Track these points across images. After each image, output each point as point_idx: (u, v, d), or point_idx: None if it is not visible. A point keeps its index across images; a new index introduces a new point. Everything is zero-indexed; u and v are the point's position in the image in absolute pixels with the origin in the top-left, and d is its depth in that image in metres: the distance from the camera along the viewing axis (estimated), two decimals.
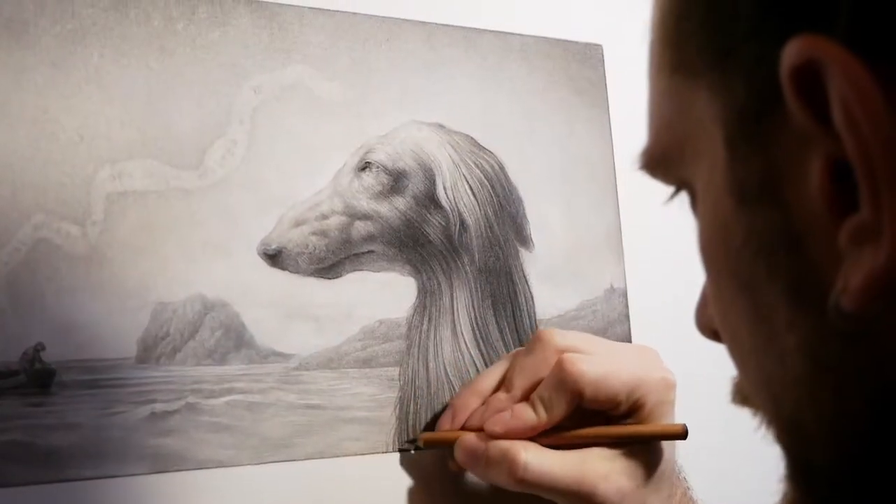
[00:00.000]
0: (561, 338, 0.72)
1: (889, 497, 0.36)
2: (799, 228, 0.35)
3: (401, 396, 0.75)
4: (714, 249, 0.41)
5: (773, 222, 0.36)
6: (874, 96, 0.31)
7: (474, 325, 0.79)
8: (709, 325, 0.45)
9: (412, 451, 0.74)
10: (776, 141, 0.35)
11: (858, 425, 0.36)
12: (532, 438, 0.69)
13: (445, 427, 0.72)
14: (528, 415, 0.69)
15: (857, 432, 0.36)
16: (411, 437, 0.74)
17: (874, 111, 0.31)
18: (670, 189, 0.45)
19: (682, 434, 0.71)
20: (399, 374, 0.76)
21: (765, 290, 0.38)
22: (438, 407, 0.76)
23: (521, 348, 0.75)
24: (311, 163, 0.74)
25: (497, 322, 0.80)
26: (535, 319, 0.82)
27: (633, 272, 0.88)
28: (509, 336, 0.80)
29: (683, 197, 0.45)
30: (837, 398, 0.36)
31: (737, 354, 0.43)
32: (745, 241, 0.38)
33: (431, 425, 0.75)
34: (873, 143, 0.31)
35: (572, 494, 0.68)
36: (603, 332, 0.85)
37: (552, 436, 0.70)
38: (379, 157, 0.77)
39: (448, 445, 0.71)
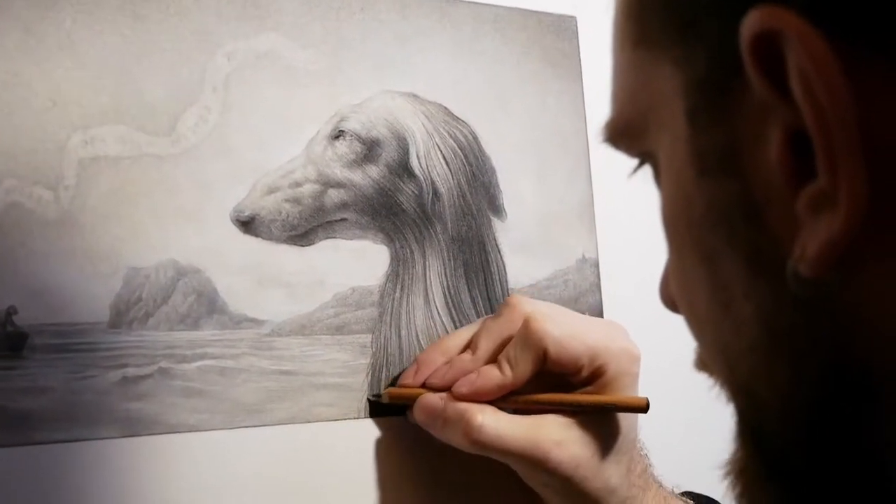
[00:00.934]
0: (529, 304, 0.72)
1: (835, 463, 0.36)
2: (758, 198, 0.36)
3: (373, 363, 0.76)
4: (676, 220, 0.41)
5: (733, 192, 0.37)
6: (832, 67, 0.32)
7: (447, 294, 0.79)
8: (671, 297, 0.46)
9: (376, 402, 0.75)
10: (737, 112, 0.36)
11: (810, 394, 0.36)
12: (492, 403, 0.70)
13: (408, 381, 0.73)
14: (493, 374, 0.70)
15: (808, 401, 0.36)
16: (377, 392, 0.75)
17: (832, 82, 0.32)
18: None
19: (644, 407, 0.71)
20: (371, 341, 0.76)
21: (724, 259, 0.38)
22: None
23: (491, 315, 0.76)
24: (284, 130, 0.74)
25: (469, 290, 0.80)
26: (508, 288, 0.82)
27: (605, 243, 0.88)
28: (481, 304, 0.81)
29: (649, 170, 0.45)
30: (791, 367, 0.37)
31: (694, 324, 0.43)
32: (706, 211, 0.38)
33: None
34: (831, 113, 0.32)
35: (525, 459, 0.69)
36: (574, 301, 0.85)
37: (512, 400, 0.70)
38: (352, 125, 0.77)
39: (411, 402, 0.72)
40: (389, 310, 0.77)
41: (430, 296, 0.78)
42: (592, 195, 0.88)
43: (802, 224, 0.34)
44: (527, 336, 0.70)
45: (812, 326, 0.35)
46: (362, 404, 0.74)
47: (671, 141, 0.40)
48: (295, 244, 0.74)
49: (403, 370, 0.75)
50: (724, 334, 0.40)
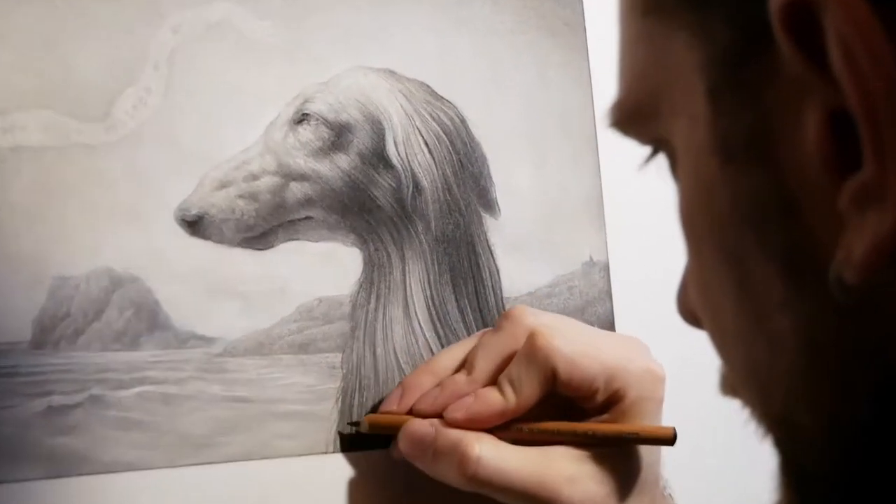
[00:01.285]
0: (534, 316, 0.72)
1: (891, 500, 0.36)
2: (793, 191, 0.35)
3: (343, 387, 0.75)
4: (696, 217, 0.41)
5: (764, 184, 0.36)
6: (877, 35, 0.31)
7: (430, 304, 0.79)
8: (691, 309, 0.45)
9: (353, 432, 0.74)
10: (765, 90, 0.35)
11: (858, 417, 0.36)
12: (491, 432, 0.69)
13: (391, 408, 0.72)
14: (493, 398, 0.70)
15: (856, 426, 0.36)
16: (355, 419, 0.74)
17: (877, 52, 0.31)
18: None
19: (670, 439, 0.71)
20: (341, 362, 0.76)
21: (754, 263, 0.38)
22: None
23: (489, 329, 0.75)
24: (238, 114, 0.74)
25: (457, 300, 0.80)
26: (502, 297, 0.82)
27: (617, 243, 0.88)
28: (471, 316, 0.80)
29: (663, 159, 0.45)
30: (836, 387, 0.36)
31: (719, 340, 0.43)
32: (732, 206, 0.38)
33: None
34: (876, 87, 0.31)
35: (531, 497, 0.68)
36: (581, 312, 0.85)
37: (515, 428, 0.70)
38: (318, 107, 0.76)
39: (395, 431, 0.71)
40: (363, 324, 0.77)
41: (411, 307, 0.78)
42: (601, 186, 0.88)
43: (846, 221, 0.33)
44: (532, 353, 0.69)
45: (858, 337, 0.35)
46: (331, 436, 0.74)
47: (689, 125, 0.40)
48: (251, 247, 0.74)
49: (386, 396, 0.75)
50: (755, 352, 0.40)
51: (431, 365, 0.74)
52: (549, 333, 0.70)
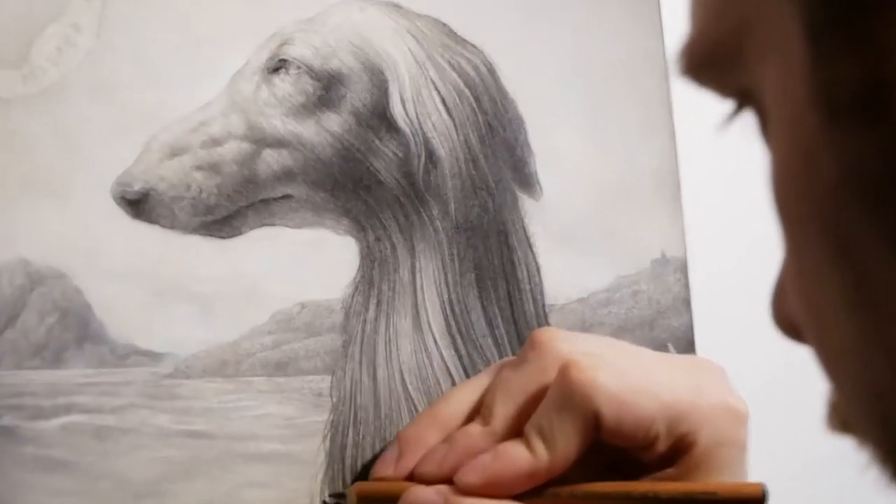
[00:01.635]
0: (567, 342, 0.72)
1: None
2: None
3: (333, 421, 0.76)
4: (793, 194, 0.41)
5: (880, 149, 0.36)
6: None
7: (448, 313, 0.79)
8: (789, 317, 0.45)
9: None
10: (882, 27, 0.35)
11: None
12: (518, 500, 0.69)
13: (387, 472, 0.72)
14: (519, 455, 0.69)
15: None
16: (339, 489, 0.74)
17: None
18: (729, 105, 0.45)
19: (759, 498, 0.70)
20: (331, 387, 0.76)
21: (870, 253, 0.38)
22: (392, 437, 0.76)
23: (508, 359, 0.75)
24: (194, 60, 0.75)
25: (484, 308, 0.80)
26: (544, 304, 0.82)
27: (697, 234, 0.88)
28: (502, 329, 0.81)
29: (751, 117, 0.45)
30: None
31: (826, 357, 0.43)
32: (839, 178, 0.38)
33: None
34: None
35: None
36: (650, 324, 0.85)
37: (550, 493, 0.70)
38: (300, 51, 0.77)
39: (391, 502, 0.71)
40: (359, 338, 0.77)
41: (423, 316, 0.78)
42: (676, 158, 0.88)
43: None
44: (567, 393, 0.69)
45: None
46: (316, 485, 0.74)
47: (782, 72, 0.39)
48: (212, 234, 0.74)
49: (378, 453, 0.75)
50: (874, 371, 0.39)
51: (435, 412, 0.73)
52: (588, 364, 0.69)
